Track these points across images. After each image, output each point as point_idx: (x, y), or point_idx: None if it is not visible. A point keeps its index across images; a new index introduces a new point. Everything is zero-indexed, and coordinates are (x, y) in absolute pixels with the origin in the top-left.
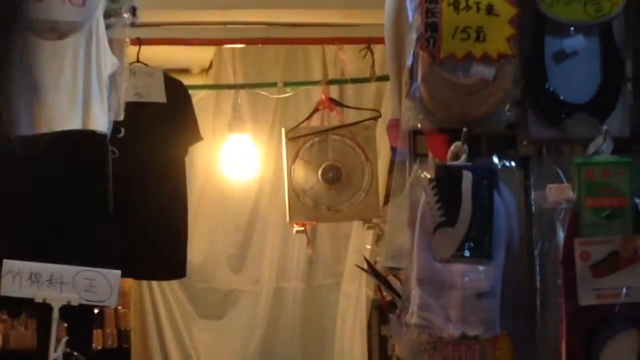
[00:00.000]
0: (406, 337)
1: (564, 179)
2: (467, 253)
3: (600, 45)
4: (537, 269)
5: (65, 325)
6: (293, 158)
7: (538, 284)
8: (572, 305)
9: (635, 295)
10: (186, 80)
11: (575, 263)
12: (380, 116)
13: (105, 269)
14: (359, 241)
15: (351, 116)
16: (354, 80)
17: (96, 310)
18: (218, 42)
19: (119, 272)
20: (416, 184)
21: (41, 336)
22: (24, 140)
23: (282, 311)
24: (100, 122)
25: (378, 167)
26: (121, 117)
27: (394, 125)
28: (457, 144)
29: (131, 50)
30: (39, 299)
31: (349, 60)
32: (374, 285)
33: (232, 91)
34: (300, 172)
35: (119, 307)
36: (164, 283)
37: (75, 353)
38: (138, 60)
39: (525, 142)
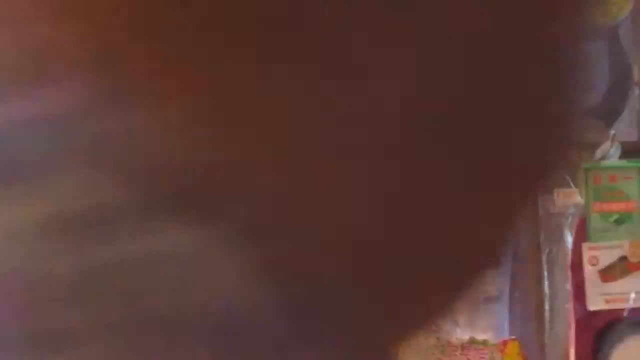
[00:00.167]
0: (413, 340)
1: (572, 184)
2: None
3: (607, 50)
4: (545, 273)
5: None
6: None
7: (546, 289)
8: (581, 310)
9: None
10: None
11: (584, 268)
12: None
13: None
14: None
15: None
16: None
17: None
18: None
19: None
20: None
21: None
22: None
23: None
24: None
25: None
26: None
27: None
28: None
29: None
30: None
31: None
32: None
33: None
34: None
35: None
36: None
37: None
38: None
39: None
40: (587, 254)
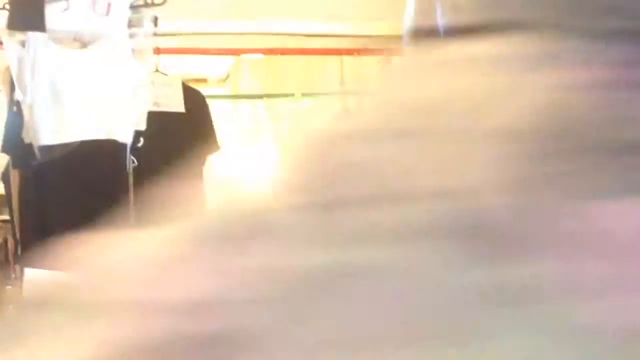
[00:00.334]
0: None
1: None
2: None
3: None
4: None
5: None
6: None
7: None
8: None
9: None
10: (204, 90)
11: None
12: None
13: None
14: None
15: None
16: None
17: None
18: (236, 52)
19: None
20: None
21: None
22: (47, 148)
23: None
24: (123, 132)
25: None
26: (143, 127)
27: None
28: None
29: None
30: None
31: (367, 71)
32: None
33: (250, 101)
34: None
35: None
36: None
37: None
38: (157, 70)
39: None
40: None
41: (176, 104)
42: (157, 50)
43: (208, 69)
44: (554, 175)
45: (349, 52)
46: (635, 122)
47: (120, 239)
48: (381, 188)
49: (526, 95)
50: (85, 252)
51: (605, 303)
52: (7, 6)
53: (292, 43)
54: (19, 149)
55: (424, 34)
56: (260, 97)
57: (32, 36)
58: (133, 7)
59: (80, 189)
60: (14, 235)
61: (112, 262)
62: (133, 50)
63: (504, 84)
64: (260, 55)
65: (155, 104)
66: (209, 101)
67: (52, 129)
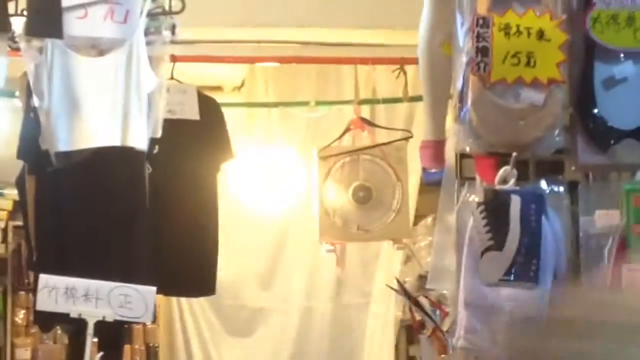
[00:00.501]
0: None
1: (612, 205)
2: (514, 277)
3: None
4: None
5: (96, 340)
6: (324, 177)
7: None
8: None
9: None
10: (218, 98)
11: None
12: (412, 137)
13: (140, 286)
14: (388, 261)
15: (382, 136)
16: (386, 101)
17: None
18: (251, 60)
19: (154, 288)
20: (464, 208)
21: (71, 351)
22: (63, 155)
23: (311, 330)
24: (139, 139)
25: (409, 187)
26: (159, 134)
27: (426, 147)
28: (506, 168)
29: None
30: (74, 315)
31: (382, 80)
32: (402, 305)
33: (264, 109)
34: (331, 192)
35: (148, 323)
36: (193, 300)
37: None
38: (172, 77)
39: (573, 168)
40: (626, 276)
41: (191, 112)
42: (173, 58)
43: (223, 76)
44: None
45: (363, 61)
46: None
47: None
48: None
49: None
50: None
51: None
52: (25, 12)
53: (306, 52)
54: (35, 155)
55: None
56: (275, 105)
57: (50, 43)
58: (151, 15)
59: (95, 195)
60: (27, 241)
61: None
62: (149, 57)
63: None
64: (275, 64)
65: (170, 111)
66: (223, 109)
67: (69, 135)
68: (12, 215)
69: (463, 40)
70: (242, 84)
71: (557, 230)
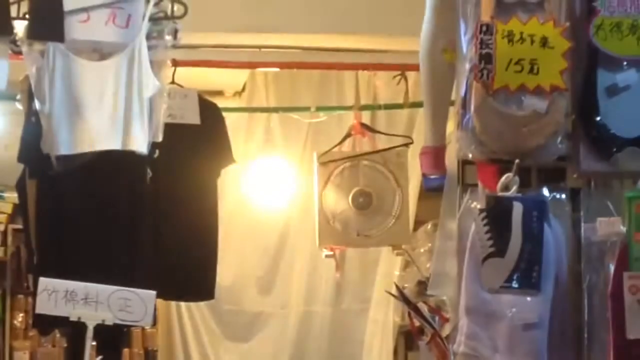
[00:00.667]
0: None
1: (614, 213)
2: (515, 284)
3: None
4: (585, 301)
5: (95, 344)
6: (324, 182)
7: (586, 317)
8: (620, 338)
9: None
10: (219, 103)
11: (624, 296)
12: (412, 143)
13: (140, 289)
14: (387, 267)
15: (382, 142)
16: (387, 107)
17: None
18: (252, 65)
19: (154, 292)
20: (466, 214)
21: (70, 354)
22: (64, 159)
23: (310, 335)
24: (140, 143)
25: (409, 193)
26: (160, 139)
27: (426, 153)
28: (509, 175)
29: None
30: (74, 318)
31: (382, 86)
32: (401, 311)
33: (265, 114)
34: (331, 197)
35: (147, 327)
36: (192, 304)
37: None
38: (173, 82)
39: (575, 175)
40: (627, 283)
41: (192, 116)
42: (175, 62)
43: (224, 81)
44: None
45: (364, 66)
46: None
47: None
48: None
49: None
50: None
51: None
52: (27, 16)
53: (307, 57)
54: (36, 158)
55: None
56: (275, 110)
57: (51, 46)
58: (153, 19)
59: (96, 199)
60: (27, 244)
61: None
62: (151, 61)
63: None
64: (276, 69)
65: (171, 115)
66: (224, 114)
67: (70, 139)
68: (11, 218)
69: (466, 47)
70: (243, 89)
71: (559, 237)
